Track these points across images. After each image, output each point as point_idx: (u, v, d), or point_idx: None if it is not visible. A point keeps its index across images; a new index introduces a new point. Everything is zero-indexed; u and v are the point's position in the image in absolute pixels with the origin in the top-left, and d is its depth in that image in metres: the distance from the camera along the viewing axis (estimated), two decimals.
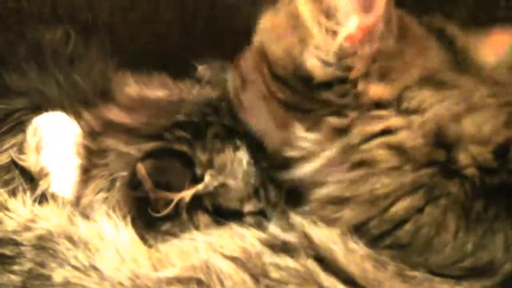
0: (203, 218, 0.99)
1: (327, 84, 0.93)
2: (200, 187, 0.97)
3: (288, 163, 0.99)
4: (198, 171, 0.97)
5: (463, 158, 0.88)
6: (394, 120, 0.91)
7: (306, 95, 0.95)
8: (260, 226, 0.97)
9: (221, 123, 1.02)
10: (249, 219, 1.01)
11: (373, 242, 0.87)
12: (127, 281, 0.85)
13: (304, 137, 0.96)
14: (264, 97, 1.00)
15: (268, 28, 1.01)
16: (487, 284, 0.84)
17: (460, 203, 0.86)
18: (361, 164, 0.91)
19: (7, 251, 0.89)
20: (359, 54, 0.93)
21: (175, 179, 0.95)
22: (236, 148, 1.01)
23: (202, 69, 1.14)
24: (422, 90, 0.92)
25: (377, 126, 0.91)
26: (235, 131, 1.03)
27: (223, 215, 1.00)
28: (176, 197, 0.94)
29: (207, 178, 0.97)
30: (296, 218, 0.90)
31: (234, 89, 1.06)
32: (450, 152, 0.89)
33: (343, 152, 0.93)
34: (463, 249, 0.85)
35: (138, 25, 1.25)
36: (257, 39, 1.02)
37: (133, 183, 0.96)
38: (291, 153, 0.98)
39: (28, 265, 0.88)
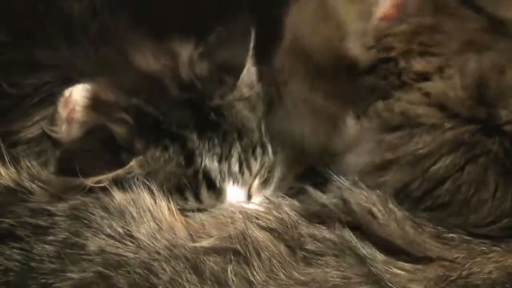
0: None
1: (371, 68, 0.94)
2: (116, 173, 0.91)
3: (334, 155, 0.99)
4: (124, 156, 0.93)
5: (504, 114, 0.89)
6: (434, 85, 0.92)
7: (351, 83, 0.96)
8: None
9: (169, 118, 0.97)
10: None
11: (414, 204, 0.87)
12: (164, 250, 0.85)
13: (354, 125, 0.97)
14: (304, 95, 1.00)
15: (299, 24, 1.01)
16: None
17: (500, 161, 0.87)
18: (401, 125, 0.91)
19: (40, 221, 0.89)
20: (396, 32, 0.93)
21: (87, 164, 0.88)
22: (165, 148, 0.95)
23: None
24: (463, 55, 0.93)
25: (419, 96, 0.91)
26: (171, 131, 0.96)
27: None
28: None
29: (132, 163, 0.92)
30: (336, 181, 0.89)
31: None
32: (491, 109, 0.89)
33: (382, 122, 0.93)
34: (501, 207, 0.86)
35: None
36: (288, 37, 1.02)
37: None
38: (340, 144, 0.98)
39: (62, 235, 0.87)
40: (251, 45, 1.01)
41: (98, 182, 0.89)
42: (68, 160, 0.89)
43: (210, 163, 0.96)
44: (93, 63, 1.07)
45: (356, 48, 0.94)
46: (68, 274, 0.84)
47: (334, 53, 0.96)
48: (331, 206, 0.87)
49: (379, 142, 0.92)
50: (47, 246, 0.87)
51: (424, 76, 0.93)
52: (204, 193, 0.96)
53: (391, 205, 0.86)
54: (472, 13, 0.98)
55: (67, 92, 1.01)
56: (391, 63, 0.94)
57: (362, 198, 0.86)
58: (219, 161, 0.97)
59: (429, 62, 0.93)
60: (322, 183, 0.92)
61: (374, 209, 0.85)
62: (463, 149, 0.88)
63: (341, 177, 0.89)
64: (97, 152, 0.91)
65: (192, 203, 0.95)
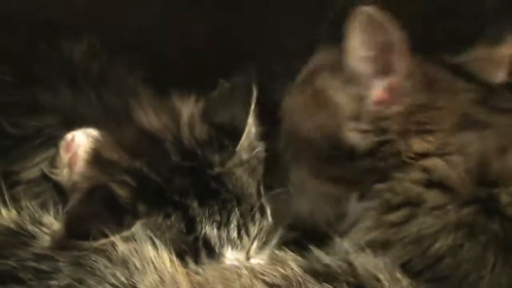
0: None
1: (369, 152, 0.96)
2: (120, 235, 0.90)
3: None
4: (127, 218, 0.92)
5: (504, 198, 0.91)
6: (436, 162, 0.93)
7: (352, 167, 0.98)
8: None
9: (171, 185, 0.96)
10: None
11: (414, 277, 0.88)
12: None
13: (357, 205, 0.99)
14: (309, 181, 1.03)
15: (295, 110, 1.04)
16: None
17: (500, 240, 0.89)
18: (402, 203, 0.93)
19: (44, 266, 0.88)
20: (391, 114, 0.95)
21: (94, 227, 0.88)
22: (168, 215, 0.95)
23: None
24: (461, 132, 0.95)
25: (420, 174, 0.93)
26: (173, 200, 0.96)
27: None
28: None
29: (136, 226, 0.92)
30: (341, 244, 0.91)
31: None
32: (492, 189, 0.91)
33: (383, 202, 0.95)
34: (498, 282, 0.87)
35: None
36: (286, 121, 1.05)
37: None
38: (344, 224, 0.99)
39: (65, 281, 0.87)
40: (252, 106, 1.02)
41: (104, 243, 0.89)
42: (75, 224, 0.88)
43: (210, 231, 0.96)
44: (95, 109, 1.07)
45: (353, 135, 0.96)
46: None
47: (332, 140, 0.97)
48: (335, 267, 0.88)
49: (380, 221, 0.94)
50: None
51: (424, 154, 0.95)
52: (204, 258, 0.96)
53: (398, 274, 0.87)
54: (464, 83, 1.00)
55: (69, 136, 1.01)
56: (389, 145, 0.95)
57: (369, 263, 0.88)
58: (218, 228, 0.97)
59: (428, 141, 0.95)
60: (323, 244, 0.93)
61: (381, 276, 0.86)
62: (464, 229, 0.90)
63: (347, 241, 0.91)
64: (102, 214, 0.90)
65: (191, 266, 0.94)
